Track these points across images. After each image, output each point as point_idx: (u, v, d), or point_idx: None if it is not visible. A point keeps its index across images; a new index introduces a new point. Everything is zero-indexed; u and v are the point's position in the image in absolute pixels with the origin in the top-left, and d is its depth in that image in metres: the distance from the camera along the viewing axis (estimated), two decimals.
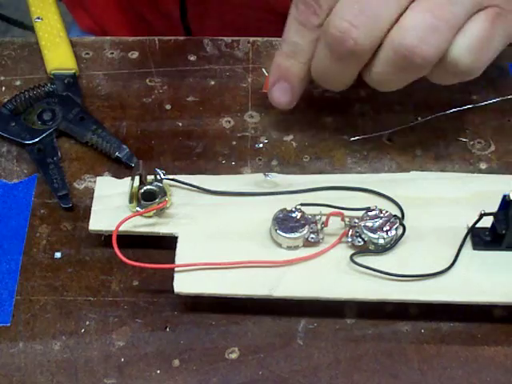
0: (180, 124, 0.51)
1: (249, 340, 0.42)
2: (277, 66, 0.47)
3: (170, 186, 0.45)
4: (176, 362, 0.41)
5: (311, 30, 0.44)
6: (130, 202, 0.44)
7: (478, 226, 0.42)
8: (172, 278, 0.41)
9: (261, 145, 0.50)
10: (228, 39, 0.56)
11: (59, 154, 0.49)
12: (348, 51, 0.42)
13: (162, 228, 0.44)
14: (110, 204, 0.44)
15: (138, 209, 0.44)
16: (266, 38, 0.56)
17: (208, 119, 0.52)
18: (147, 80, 0.54)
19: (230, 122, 0.51)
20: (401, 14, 0.41)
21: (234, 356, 0.41)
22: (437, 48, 0.41)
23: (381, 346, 0.42)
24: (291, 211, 0.43)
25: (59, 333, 0.42)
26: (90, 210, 0.44)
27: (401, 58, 0.41)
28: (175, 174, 0.45)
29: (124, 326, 0.42)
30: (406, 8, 0.41)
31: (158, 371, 0.41)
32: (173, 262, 0.42)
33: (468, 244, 0.43)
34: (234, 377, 0.41)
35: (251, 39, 0.56)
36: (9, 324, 0.42)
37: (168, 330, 0.42)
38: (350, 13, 0.41)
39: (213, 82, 0.54)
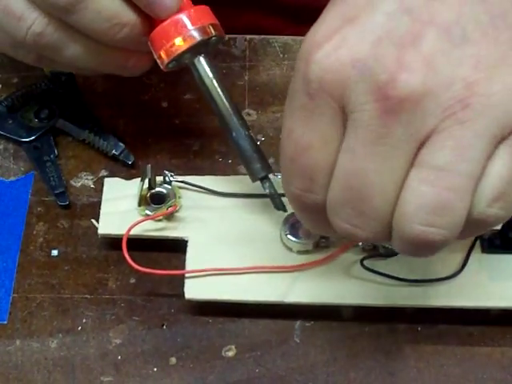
0: (177, 122, 0.51)
1: (245, 338, 0.42)
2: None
3: (179, 188, 0.45)
4: (173, 360, 0.41)
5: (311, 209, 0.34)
6: (139, 205, 0.44)
7: None
8: (169, 277, 0.41)
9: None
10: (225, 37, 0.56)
11: (56, 151, 0.49)
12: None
13: (171, 232, 0.43)
14: (119, 207, 0.44)
15: (147, 212, 0.43)
16: (262, 36, 0.56)
17: (205, 117, 0.51)
18: (144, 77, 0.53)
19: None
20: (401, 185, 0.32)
21: (230, 354, 0.41)
22: (452, 225, 0.31)
23: (377, 344, 0.42)
24: None
25: (56, 330, 0.42)
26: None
27: (413, 247, 0.33)
28: (172, 172, 0.45)
29: (121, 324, 0.42)
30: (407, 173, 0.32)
31: (155, 369, 0.41)
32: (176, 263, 0.42)
33: (477, 248, 0.42)
34: (230, 375, 0.41)
35: (248, 37, 0.56)
36: (6, 322, 0.42)
37: (165, 327, 0.42)
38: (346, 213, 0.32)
39: None
